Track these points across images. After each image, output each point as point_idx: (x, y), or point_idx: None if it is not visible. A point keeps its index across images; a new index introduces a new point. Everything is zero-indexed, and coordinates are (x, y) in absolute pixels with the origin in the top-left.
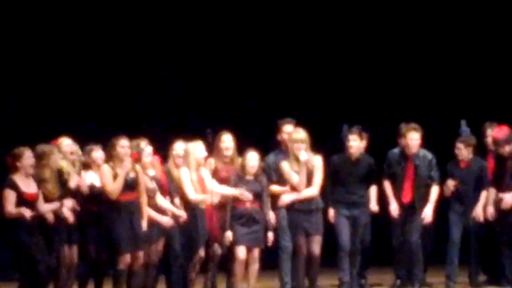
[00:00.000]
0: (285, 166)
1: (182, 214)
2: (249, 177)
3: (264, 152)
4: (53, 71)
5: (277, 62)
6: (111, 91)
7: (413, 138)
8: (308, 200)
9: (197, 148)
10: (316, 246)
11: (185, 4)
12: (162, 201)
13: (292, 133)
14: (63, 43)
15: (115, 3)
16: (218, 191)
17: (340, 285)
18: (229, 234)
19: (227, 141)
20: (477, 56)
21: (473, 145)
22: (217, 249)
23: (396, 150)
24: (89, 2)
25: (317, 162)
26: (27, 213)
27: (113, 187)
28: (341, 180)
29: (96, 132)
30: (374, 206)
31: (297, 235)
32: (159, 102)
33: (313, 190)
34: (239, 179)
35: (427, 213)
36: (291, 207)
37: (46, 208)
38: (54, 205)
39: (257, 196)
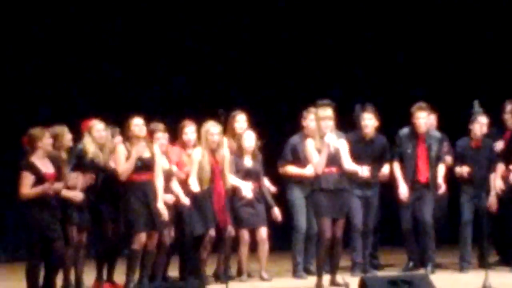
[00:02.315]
0: (310, 144)
1: (186, 203)
2: (247, 156)
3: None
4: (53, 71)
5: (289, 43)
6: (114, 87)
7: (420, 117)
8: (333, 181)
9: (213, 130)
10: (340, 230)
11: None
12: (175, 186)
13: (319, 111)
14: (64, 41)
15: (116, 3)
16: (229, 180)
17: (353, 266)
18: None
19: (241, 121)
20: (490, 35)
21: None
22: (231, 231)
23: (406, 129)
24: (90, 2)
25: (342, 144)
26: (48, 188)
27: (123, 168)
28: (355, 159)
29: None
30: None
31: (322, 216)
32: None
33: (353, 166)
34: (237, 159)
35: (439, 186)
36: (317, 189)
37: (57, 188)
38: (72, 193)
39: (256, 175)
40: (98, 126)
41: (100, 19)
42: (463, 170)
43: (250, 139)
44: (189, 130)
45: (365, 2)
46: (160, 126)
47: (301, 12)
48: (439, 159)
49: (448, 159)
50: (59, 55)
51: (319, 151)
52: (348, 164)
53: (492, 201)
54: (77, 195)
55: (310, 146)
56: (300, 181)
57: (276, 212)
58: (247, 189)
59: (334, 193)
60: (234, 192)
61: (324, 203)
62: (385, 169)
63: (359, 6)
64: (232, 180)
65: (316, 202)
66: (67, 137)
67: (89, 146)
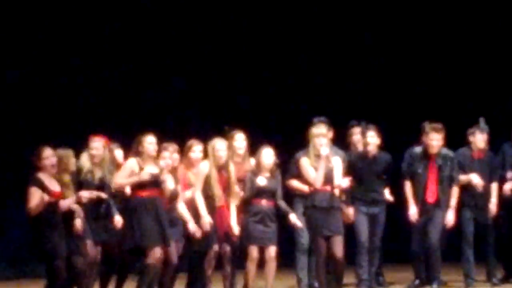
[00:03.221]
0: (304, 161)
1: (192, 228)
2: (266, 174)
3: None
4: (54, 72)
5: (289, 58)
6: (115, 91)
7: (433, 139)
8: (327, 199)
9: (219, 146)
10: (339, 248)
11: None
12: (182, 207)
13: (313, 128)
14: (65, 43)
15: (118, 3)
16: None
17: (359, 283)
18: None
19: (239, 140)
20: (498, 52)
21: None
22: (225, 247)
23: (418, 149)
24: (91, 3)
25: (336, 162)
26: (48, 198)
27: (121, 181)
28: (359, 177)
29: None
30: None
31: (316, 235)
32: (165, 102)
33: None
34: (254, 176)
35: (450, 218)
36: (310, 206)
37: (64, 205)
38: (70, 200)
39: (273, 194)
40: (94, 144)
41: (101, 25)
42: (471, 178)
43: (268, 156)
44: (197, 149)
45: (367, 18)
46: (171, 147)
47: (305, 29)
48: (452, 179)
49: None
50: (59, 61)
51: (315, 168)
52: (338, 180)
53: (492, 209)
54: (77, 209)
55: (305, 163)
56: (301, 196)
57: (293, 218)
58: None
59: (327, 210)
60: (246, 208)
61: (318, 221)
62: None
63: (361, 22)
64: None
65: (310, 219)
66: (71, 161)
67: (85, 163)
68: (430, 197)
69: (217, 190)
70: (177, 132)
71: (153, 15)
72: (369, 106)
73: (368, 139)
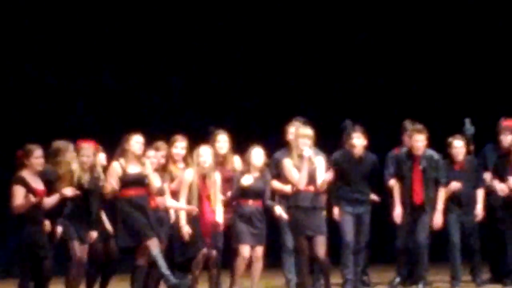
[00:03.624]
0: (287, 162)
1: (194, 208)
2: (255, 174)
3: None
4: (53, 71)
5: (279, 60)
6: (112, 91)
7: (418, 140)
8: (310, 199)
9: (203, 152)
10: (321, 248)
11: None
12: (170, 202)
13: (298, 128)
14: (63, 43)
15: (117, 3)
16: (171, 205)
17: (344, 283)
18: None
19: (222, 141)
20: (483, 53)
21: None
22: (211, 252)
23: (403, 150)
24: (91, 3)
25: (319, 161)
26: (33, 199)
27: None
28: (345, 178)
29: (95, 131)
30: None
31: (298, 235)
32: (160, 101)
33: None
34: (243, 175)
35: (437, 221)
36: (293, 206)
37: (48, 202)
38: (55, 197)
39: (260, 194)
40: (83, 151)
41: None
42: (452, 186)
43: (258, 156)
44: (180, 145)
45: (354, 18)
46: (162, 146)
47: (287, 28)
48: (437, 181)
49: None
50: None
51: (298, 168)
52: (321, 179)
53: (478, 212)
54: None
55: (288, 164)
56: (284, 196)
57: (279, 210)
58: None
59: (311, 210)
60: (233, 208)
61: (300, 221)
62: (373, 195)
63: (349, 22)
64: (174, 205)
65: (292, 219)
66: (69, 155)
67: (75, 168)
68: (417, 198)
69: (195, 200)
70: (172, 132)
71: (150, 16)
72: (354, 106)
73: (354, 140)
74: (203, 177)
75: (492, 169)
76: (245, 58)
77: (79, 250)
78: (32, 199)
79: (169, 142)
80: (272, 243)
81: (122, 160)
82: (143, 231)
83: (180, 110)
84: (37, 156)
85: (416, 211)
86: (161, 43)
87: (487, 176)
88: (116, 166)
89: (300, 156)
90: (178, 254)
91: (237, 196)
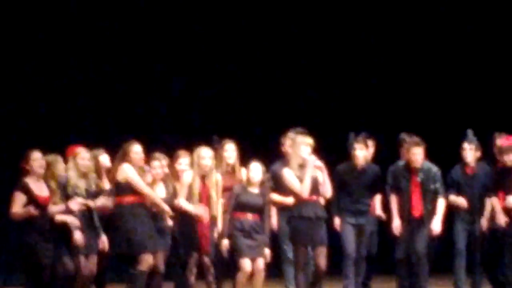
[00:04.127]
0: (287, 172)
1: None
2: (253, 189)
3: (268, 160)
4: (53, 74)
5: (282, 70)
6: (112, 94)
7: (416, 153)
8: (314, 209)
9: (204, 153)
10: (323, 259)
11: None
12: (183, 202)
13: (297, 137)
14: (64, 44)
15: (118, 4)
16: (184, 206)
17: None
18: (225, 242)
19: (230, 150)
20: (485, 65)
21: (479, 151)
22: (204, 258)
23: (401, 163)
24: (91, 3)
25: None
26: (34, 211)
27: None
28: (347, 188)
29: (96, 136)
30: (380, 213)
31: (298, 244)
32: (161, 107)
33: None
34: (243, 189)
35: (436, 226)
36: (296, 216)
37: (53, 210)
38: (60, 207)
39: (259, 209)
40: (83, 154)
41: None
42: (458, 200)
43: (256, 171)
44: (183, 161)
45: (359, 26)
46: (163, 158)
47: (288, 36)
48: (436, 192)
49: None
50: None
51: (299, 178)
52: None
53: (483, 224)
54: (73, 221)
55: (289, 174)
56: (284, 208)
57: (267, 253)
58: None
59: (314, 221)
60: (231, 221)
61: (303, 231)
62: (377, 204)
63: (352, 31)
64: (186, 206)
65: (295, 229)
66: (59, 167)
67: (71, 175)
68: (416, 211)
69: (196, 200)
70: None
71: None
72: (366, 118)
73: (356, 152)
74: (203, 178)
75: (493, 182)
76: (249, 66)
77: (85, 264)
78: (32, 211)
79: (173, 157)
80: (273, 254)
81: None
82: (139, 244)
83: (180, 115)
84: (35, 159)
85: (414, 224)
86: (163, 47)
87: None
88: (129, 167)
89: (301, 166)
90: (171, 255)
91: (235, 209)
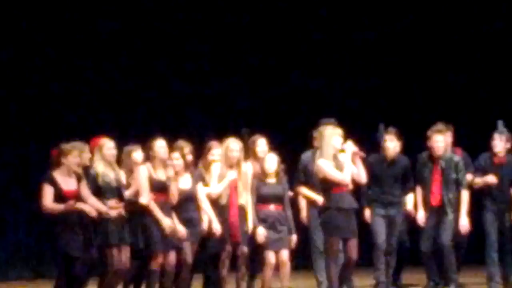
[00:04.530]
0: (325, 163)
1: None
2: (271, 179)
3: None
4: (53, 73)
5: (308, 58)
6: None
7: (438, 141)
8: (349, 200)
9: (232, 146)
10: (355, 251)
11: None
12: (206, 205)
13: (328, 128)
14: (66, 43)
15: (118, 3)
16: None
17: (376, 285)
18: (260, 231)
19: (262, 145)
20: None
21: (510, 143)
22: (241, 248)
23: (424, 154)
24: (92, 3)
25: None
26: (62, 207)
27: (147, 194)
28: (377, 180)
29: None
30: (411, 209)
31: (332, 235)
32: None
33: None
34: (261, 182)
35: (464, 224)
36: (334, 207)
37: (83, 207)
38: (88, 207)
39: (280, 199)
40: (108, 145)
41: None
42: (487, 178)
43: (272, 162)
44: (216, 152)
45: (382, 19)
46: (186, 147)
47: (311, 27)
48: (458, 183)
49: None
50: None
51: (337, 167)
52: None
53: None
54: (91, 211)
55: (326, 165)
56: (315, 202)
57: (294, 239)
58: (260, 234)
59: (349, 212)
60: (257, 213)
61: (338, 222)
62: (409, 200)
63: (373, 24)
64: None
65: (331, 220)
66: (85, 156)
67: (99, 167)
68: (434, 200)
69: (225, 190)
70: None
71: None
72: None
73: (386, 143)
74: (231, 169)
75: None
76: (252, 68)
77: (117, 257)
78: (61, 207)
79: (205, 148)
80: (303, 245)
81: (149, 165)
82: (153, 244)
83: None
84: (74, 155)
85: (437, 213)
86: (165, 51)
87: None
88: (144, 171)
89: (335, 156)
90: (202, 250)
91: (257, 202)
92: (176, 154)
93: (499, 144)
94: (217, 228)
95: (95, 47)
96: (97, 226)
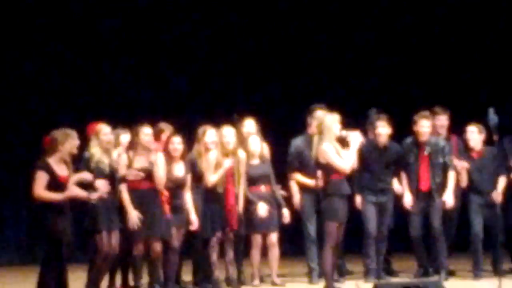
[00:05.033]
0: (330, 148)
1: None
2: (256, 161)
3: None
4: (54, 71)
5: (301, 45)
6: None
7: (423, 125)
8: (346, 186)
9: (227, 134)
10: (342, 234)
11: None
12: (187, 197)
13: (328, 116)
14: (67, 41)
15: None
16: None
17: (367, 272)
18: (261, 207)
19: (248, 126)
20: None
21: (485, 133)
22: (228, 233)
23: (408, 139)
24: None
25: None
26: (60, 196)
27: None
28: (369, 166)
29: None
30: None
31: (335, 221)
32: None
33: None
34: (248, 165)
35: (448, 199)
36: (337, 193)
37: (75, 192)
38: (83, 193)
39: (267, 179)
40: (105, 130)
41: (101, 20)
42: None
43: (255, 144)
44: (211, 134)
45: (372, 8)
46: (169, 129)
47: (303, 12)
48: (446, 166)
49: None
50: (60, 57)
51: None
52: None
53: (496, 195)
54: (91, 195)
55: (331, 150)
56: (308, 187)
57: (286, 213)
58: (262, 209)
59: (346, 198)
60: (247, 197)
61: (338, 208)
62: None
63: (366, 11)
64: (250, 195)
65: (333, 206)
66: (74, 143)
67: (95, 152)
68: (423, 185)
69: (221, 178)
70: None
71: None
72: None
73: (378, 129)
74: (227, 157)
75: None
76: (245, 54)
77: (107, 242)
78: (60, 196)
79: (198, 133)
80: (294, 231)
81: (130, 153)
82: (133, 230)
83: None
84: (70, 142)
85: (425, 198)
86: (163, 42)
87: None
88: (123, 159)
89: (336, 142)
90: (194, 235)
91: (248, 185)
92: (177, 139)
93: (475, 136)
94: (194, 220)
95: (95, 47)
96: (87, 211)
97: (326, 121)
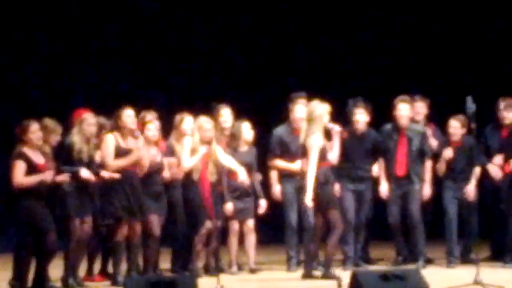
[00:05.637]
0: (318, 139)
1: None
2: (243, 148)
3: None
4: (54, 69)
5: (282, 31)
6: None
7: (402, 109)
8: (331, 174)
9: (205, 124)
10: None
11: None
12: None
13: (318, 106)
14: (67, 38)
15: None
16: (228, 164)
17: (345, 260)
18: (229, 206)
19: (225, 114)
20: (486, 29)
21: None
22: (217, 222)
23: (388, 125)
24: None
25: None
26: (39, 177)
27: (116, 162)
28: (347, 154)
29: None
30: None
31: (336, 209)
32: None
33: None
34: (233, 150)
35: (426, 192)
36: (329, 182)
37: (54, 178)
38: (64, 177)
39: (250, 168)
40: (90, 120)
41: (99, 18)
42: (444, 154)
43: (248, 131)
44: (188, 121)
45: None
46: (149, 116)
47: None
48: (423, 153)
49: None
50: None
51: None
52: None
53: (469, 190)
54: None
55: (321, 142)
56: (289, 175)
57: (263, 204)
58: (243, 174)
59: (331, 185)
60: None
61: (332, 196)
62: (375, 169)
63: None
64: (230, 162)
65: (329, 194)
66: (56, 132)
67: (76, 140)
68: (399, 170)
69: (197, 165)
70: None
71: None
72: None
73: (356, 116)
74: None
75: (498, 150)
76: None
77: (80, 227)
78: (41, 176)
79: (176, 120)
80: (273, 219)
81: (117, 134)
82: (116, 213)
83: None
84: (33, 131)
85: (402, 184)
86: (156, 39)
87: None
88: (111, 140)
89: (326, 133)
90: (181, 227)
91: (228, 172)
92: (151, 125)
93: (457, 132)
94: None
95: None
96: (59, 197)
97: (317, 110)
